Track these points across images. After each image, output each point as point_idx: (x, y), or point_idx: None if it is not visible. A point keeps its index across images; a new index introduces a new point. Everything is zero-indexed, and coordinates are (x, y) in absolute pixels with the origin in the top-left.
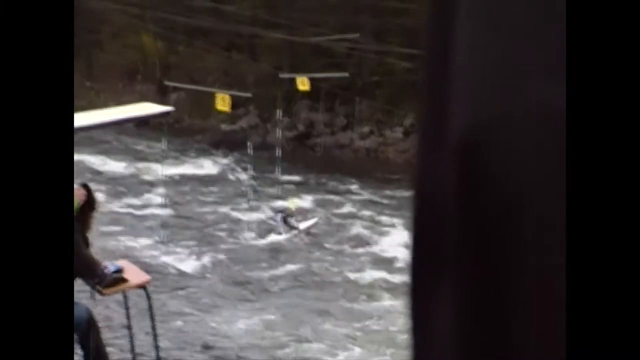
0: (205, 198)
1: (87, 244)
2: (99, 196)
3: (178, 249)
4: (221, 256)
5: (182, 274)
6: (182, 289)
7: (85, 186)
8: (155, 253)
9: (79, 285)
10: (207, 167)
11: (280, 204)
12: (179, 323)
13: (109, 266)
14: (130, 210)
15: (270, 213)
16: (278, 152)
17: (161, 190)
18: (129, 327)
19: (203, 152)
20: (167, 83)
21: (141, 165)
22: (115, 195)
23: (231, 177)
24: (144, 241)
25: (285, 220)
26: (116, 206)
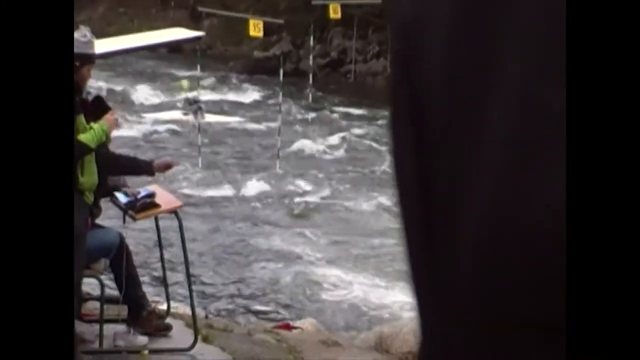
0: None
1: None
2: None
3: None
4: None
5: None
6: None
7: (98, 97)
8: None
9: (111, 209)
10: (241, 94)
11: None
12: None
13: (141, 191)
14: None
15: None
16: (310, 79)
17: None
18: (160, 254)
19: (237, 78)
20: (200, 9)
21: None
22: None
23: (263, 103)
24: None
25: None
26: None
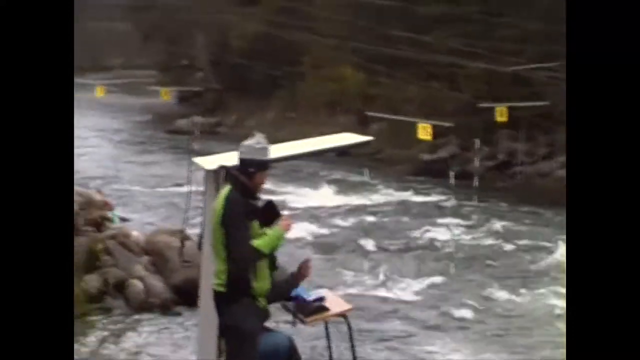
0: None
1: (275, 267)
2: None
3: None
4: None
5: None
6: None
7: (270, 203)
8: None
9: (281, 313)
10: (409, 196)
11: None
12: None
13: (311, 295)
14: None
15: None
16: (475, 182)
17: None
18: (329, 358)
19: (404, 182)
20: (367, 113)
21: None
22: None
23: (432, 206)
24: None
25: None
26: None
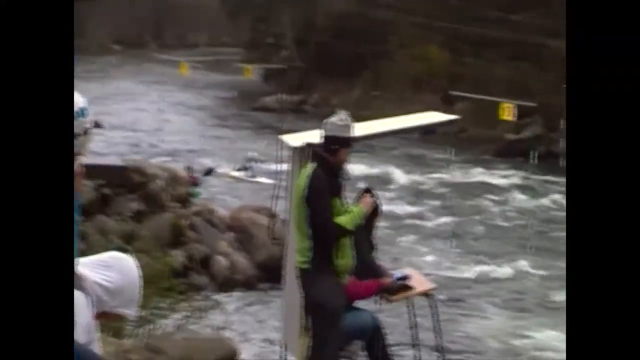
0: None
1: (372, 248)
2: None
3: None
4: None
5: None
6: None
7: (368, 191)
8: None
9: None
10: (489, 176)
11: None
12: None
13: (395, 273)
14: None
15: None
16: (561, 162)
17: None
18: (413, 337)
19: (486, 162)
20: (452, 93)
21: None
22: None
23: (513, 187)
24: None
25: None
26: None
